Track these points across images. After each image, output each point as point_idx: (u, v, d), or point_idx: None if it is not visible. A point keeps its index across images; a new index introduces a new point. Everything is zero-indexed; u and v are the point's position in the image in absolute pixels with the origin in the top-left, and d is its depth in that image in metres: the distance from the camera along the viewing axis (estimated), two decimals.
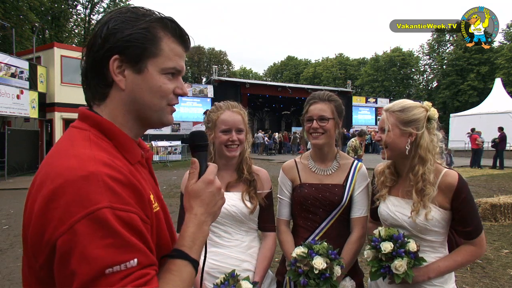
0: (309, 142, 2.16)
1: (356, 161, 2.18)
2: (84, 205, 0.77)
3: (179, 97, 1.06)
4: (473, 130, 19.09)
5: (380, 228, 1.88)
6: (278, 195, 2.23)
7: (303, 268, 1.81)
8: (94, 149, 0.89)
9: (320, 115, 2.05)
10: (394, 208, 1.90)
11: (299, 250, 1.87)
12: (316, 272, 1.78)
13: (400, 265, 1.73)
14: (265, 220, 2.12)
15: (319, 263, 1.79)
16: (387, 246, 1.76)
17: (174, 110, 1.06)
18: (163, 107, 1.01)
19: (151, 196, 0.96)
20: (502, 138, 18.24)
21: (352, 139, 10.35)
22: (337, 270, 1.81)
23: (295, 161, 2.24)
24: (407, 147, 1.82)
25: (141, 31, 0.95)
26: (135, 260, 0.79)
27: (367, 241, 1.92)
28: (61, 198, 0.78)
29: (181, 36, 1.02)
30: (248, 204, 2.01)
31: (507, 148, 21.70)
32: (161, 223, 1.00)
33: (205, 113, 2.17)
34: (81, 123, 0.97)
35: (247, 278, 1.86)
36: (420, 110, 1.84)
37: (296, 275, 1.83)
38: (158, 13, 1.01)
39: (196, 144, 1.11)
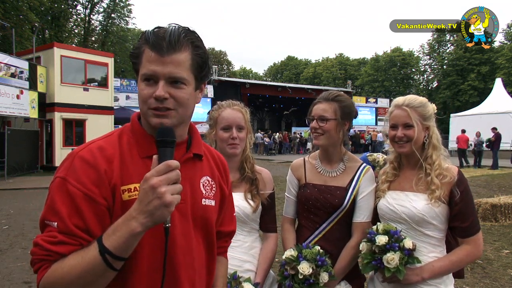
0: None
1: (363, 164, 2.13)
2: (57, 171, 1.12)
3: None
4: (463, 131, 19.15)
5: (378, 223, 1.90)
6: (285, 193, 2.24)
7: (289, 272, 1.83)
8: (102, 139, 1.19)
9: (320, 115, 2.03)
10: (394, 201, 1.92)
11: (289, 253, 1.89)
12: (301, 277, 1.79)
13: (392, 258, 1.73)
14: (266, 221, 2.12)
15: (304, 268, 1.80)
16: (381, 239, 1.77)
17: (159, 115, 1.14)
18: (145, 111, 1.17)
19: (133, 185, 1.12)
20: (497, 137, 18.20)
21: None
22: (324, 277, 1.82)
23: (304, 160, 2.23)
24: (425, 141, 1.93)
25: (133, 50, 1.18)
26: (55, 223, 1.04)
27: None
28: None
29: (151, 42, 1.13)
30: (251, 203, 2.01)
31: (508, 148, 21.67)
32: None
33: (208, 113, 2.17)
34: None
35: (248, 280, 1.86)
36: (430, 104, 1.98)
37: (283, 277, 1.86)
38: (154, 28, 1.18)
39: (157, 140, 1.08)
